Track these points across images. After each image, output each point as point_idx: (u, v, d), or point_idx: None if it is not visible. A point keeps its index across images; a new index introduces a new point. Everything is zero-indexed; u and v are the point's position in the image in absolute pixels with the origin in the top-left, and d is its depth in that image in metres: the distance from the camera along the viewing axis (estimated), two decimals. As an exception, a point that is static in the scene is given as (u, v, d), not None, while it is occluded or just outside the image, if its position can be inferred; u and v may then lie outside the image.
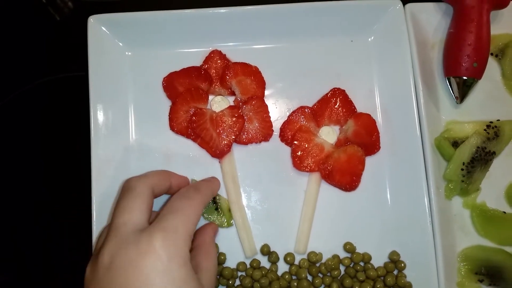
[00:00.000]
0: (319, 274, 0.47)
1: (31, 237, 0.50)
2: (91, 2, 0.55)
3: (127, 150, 0.48)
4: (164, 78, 0.49)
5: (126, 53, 0.50)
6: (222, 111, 0.48)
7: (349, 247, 0.48)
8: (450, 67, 0.51)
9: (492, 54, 0.54)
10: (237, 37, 0.50)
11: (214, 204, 0.47)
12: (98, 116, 0.47)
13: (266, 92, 0.50)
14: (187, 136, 0.48)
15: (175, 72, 0.49)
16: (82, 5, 0.55)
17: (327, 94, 0.50)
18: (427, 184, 0.47)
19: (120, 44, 0.49)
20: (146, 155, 0.48)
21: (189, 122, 0.47)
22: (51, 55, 0.54)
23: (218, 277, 0.46)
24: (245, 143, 0.49)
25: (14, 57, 0.54)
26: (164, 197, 0.45)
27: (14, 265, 0.49)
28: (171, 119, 0.48)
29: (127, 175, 0.47)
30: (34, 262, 0.49)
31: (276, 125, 0.50)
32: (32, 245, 0.50)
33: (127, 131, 0.49)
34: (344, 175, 0.48)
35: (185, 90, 0.48)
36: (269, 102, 0.50)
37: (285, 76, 0.51)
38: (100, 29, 0.48)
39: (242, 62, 0.50)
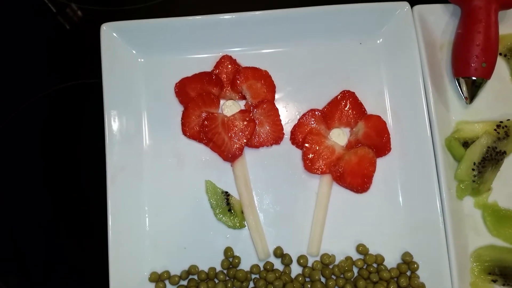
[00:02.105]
0: (333, 276, 0.47)
1: (31, 237, 0.50)
2: (101, 10, 0.56)
3: (140, 156, 0.49)
4: (176, 83, 0.50)
5: (139, 59, 0.51)
6: (233, 115, 0.49)
7: (361, 249, 0.48)
8: (459, 67, 0.51)
9: (501, 54, 0.54)
10: (247, 42, 0.51)
11: (228, 205, 0.48)
12: (112, 122, 0.47)
13: (277, 96, 0.51)
14: (200, 140, 0.49)
15: (187, 77, 0.50)
16: (91, 13, 0.57)
17: (337, 96, 0.51)
18: (439, 185, 0.47)
19: (133, 51, 0.50)
20: (159, 160, 0.49)
21: (201, 127, 0.48)
22: (62, 63, 0.55)
23: (232, 280, 0.46)
24: (257, 147, 0.49)
25: (27, 66, 0.55)
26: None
27: (14, 265, 0.50)
28: (183, 124, 0.49)
29: (141, 180, 0.48)
30: (34, 263, 0.50)
31: (287, 128, 0.50)
32: (32, 245, 0.50)
33: (141, 136, 0.49)
34: (355, 177, 0.48)
35: (197, 95, 0.48)
36: (279, 105, 0.51)
37: (295, 79, 0.52)
38: (113, 36, 0.48)
39: (252, 67, 0.50)
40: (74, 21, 0.57)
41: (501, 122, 0.51)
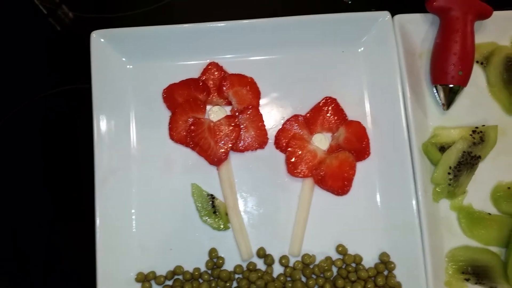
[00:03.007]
0: (313, 276, 0.49)
1: (32, 237, 0.52)
2: (93, 17, 0.57)
3: (129, 159, 0.50)
4: (164, 89, 0.51)
5: (128, 66, 0.52)
6: (219, 120, 0.51)
7: (341, 249, 0.50)
8: (437, 75, 0.53)
9: (477, 62, 0.56)
10: (233, 49, 0.52)
11: (213, 207, 0.50)
12: (101, 127, 0.49)
13: (261, 102, 0.53)
14: (186, 144, 0.50)
15: (175, 84, 0.51)
16: (83, 20, 0.57)
17: (319, 102, 0.53)
18: (415, 188, 0.49)
19: (122, 57, 0.51)
20: (147, 163, 0.50)
21: (188, 131, 0.50)
22: (53, 67, 0.56)
23: (216, 279, 0.48)
24: (242, 151, 0.51)
25: (16, 69, 0.56)
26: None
27: (14, 265, 0.51)
28: (170, 129, 0.50)
29: (129, 183, 0.50)
30: (21, 263, 0.51)
31: (271, 133, 0.52)
32: (18, 246, 0.51)
33: (129, 141, 0.51)
34: (336, 180, 0.50)
35: (184, 101, 0.50)
36: (264, 111, 0.52)
37: (279, 86, 0.53)
38: (102, 43, 0.50)
39: (238, 74, 0.52)
40: (65, 26, 0.57)
41: (477, 127, 0.53)
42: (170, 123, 0.50)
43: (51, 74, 0.55)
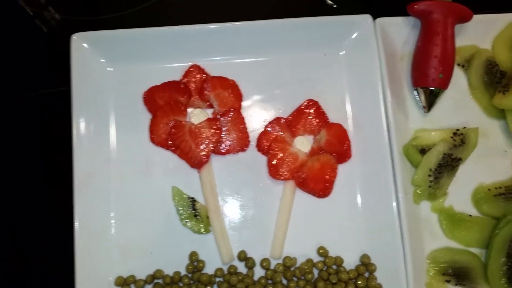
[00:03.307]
0: (294, 278, 0.49)
1: (9, 240, 0.51)
2: (76, 20, 0.56)
3: (108, 163, 0.50)
4: (145, 92, 0.51)
5: (108, 68, 0.52)
6: (200, 123, 0.51)
7: (322, 251, 0.50)
8: (418, 78, 0.53)
9: (458, 64, 0.56)
10: (215, 52, 0.52)
11: (194, 211, 0.49)
12: (80, 129, 0.48)
13: (243, 104, 0.53)
14: (167, 147, 0.50)
15: (155, 86, 0.51)
16: (69, 19, 0.57)
17: (301, 105, 0.53)
18: (396, 190, 0.49)
19: (102, 60, 0.51)
20: (127, 166, 0.50)
21: (169, 134, 0.49)
22: (35, 69, 0.55)
23: (196, 283, 0.48)
24: (223, 154, 0.51)
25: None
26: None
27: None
28: (151, 132, 0.50)
29: (109, 187, 0.49)
30: (12, 266, 0.50)
31: (253, 135, 0.52)
32: (10, 248, 0.51)
33: (109, 144, 0.51)
34: (317, 182, 0.50)
35: (165, 103, 0.50)
36: (246, 114, 0.52)
37: (261, 88, 0.53)
38: (83, 46, 0.49)
39: (220, 76, 0.52)
40: (51, 28, 0.57)
41: (458, 130, 0.53)
42: (150, 126, 0.50)
43: (32, 76, 0.55)
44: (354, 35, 0.53)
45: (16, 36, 0.57)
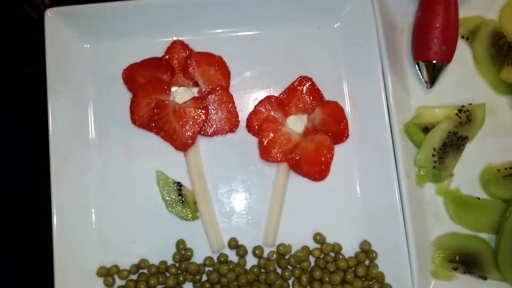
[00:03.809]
0: (289, 266, 0.46)
1: None
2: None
3: (87, 146, 0.47)
4: (124, 70, 0.48)
5: (85, 45, 0.49)
6: (185, 102, 0.48)
7: (319, 238, 0.47)
8: (419, 51, 0.50)
9: (463, 37, 0.53)
10: (200, 26, 0.49)
11: (180, 196, 0.46)
12: (56, 111, 0.46)
13: (232, 82, 0.50)
14: (150, 129, 0.47)
15: (136, 63, 0.48)
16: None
17: (294, 82, 0.50)
18: (397, 171, 0.46)
19: (79, 37, 0.48)
20: (107, 150, 0.48)
21: (151, 115, 0.46)
22: (11, 50, 0.53)
23: (183, 273, 0.45)
24: (211, 135, 0.48)
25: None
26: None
27: None
28: (132, 112, 0.47)
29: (88, 172, 0.47)
30: None
31: (243, 115, 0.49)
32: None
33: (87, 126, 0.48)
34: (312, 164, 0.47)
35: (146, 81, 0.47)
36: (234, 92, 0.49)
37: (251, 65, 0.50)
38: (58, 22, 0.47)
39: (205, 52, 0.49)
40: (41, 10, 0.54)
41: (463, 106, 0.50)
42: (131, 106, 0.47)
43: (6, 57, 0.52)
44: (349, 6, 0.50)
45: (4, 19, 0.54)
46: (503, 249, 0.47)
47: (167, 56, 0.49)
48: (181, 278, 0.45)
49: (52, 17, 0.46)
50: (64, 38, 0.47)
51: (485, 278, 0.47)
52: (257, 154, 0.48)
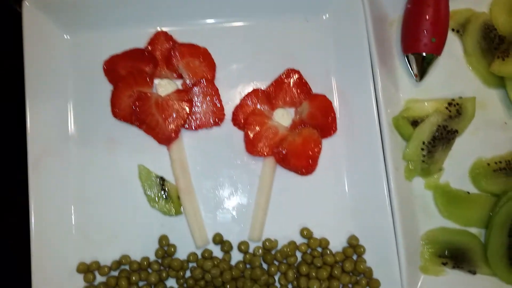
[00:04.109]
0: (275, 262, 0.45)
1: None
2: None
3: (66, 140, 0.46)
4: (105, 61, 0.47)
5: (65, 36, 0.48)
6: (168, 95, 0.46)
7: (306, 233, 0.46)
8: (409, 43, 0.49)
9: (453, 30, 0.52)
10: (184, 16, 0.48)
11: (163, 191, 0.45)
12: (35, 103, 0.44)
13: (217, 75, 0.48)
14: (131, 122, 0.46)
15: (117, 55, 0.47)
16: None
17: (281, 75, 0.49)
18: (385, 165, 0.45)
19: (58, 27, 0.47)
20: (87, 144, 0.46)
21: (133, 108, 0.45)
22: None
23: (166, 269, 0.44)
24: (195, 129, 0.47)
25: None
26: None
27: None
28: (113, 105, 0.46)
29: (67, 166, 0.46)
30: None
31: (228, 109, 0.48)
32: None
33: (67, 119, 0.47)
34: (299, 158, 0.46)
35: (127, 73, 0.46)
36: (220, 85, 0.48)
37: (237, 57, 0.49)
38: (36, 12, 0.45)
39: (189, 43, 0.48)
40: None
41: (453, 99, 0.50)
42: (112, 99, 0.46)
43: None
44: (338, -3, 0.49)
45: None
46: (492, 243, 0.46)
47: (150, 48, 0.47)
48: (163, 275, 0.44)
49: (31, 6, 0.45)
50: (43, 28, 0.46)
51: (474, 273, 0.47)
52: (243, 148, 0.47)
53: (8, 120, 0.48)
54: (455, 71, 0.51)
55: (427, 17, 0.48)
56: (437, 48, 0.49)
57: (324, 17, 0.50)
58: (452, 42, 0.51)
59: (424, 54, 0.48)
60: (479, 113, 0.50)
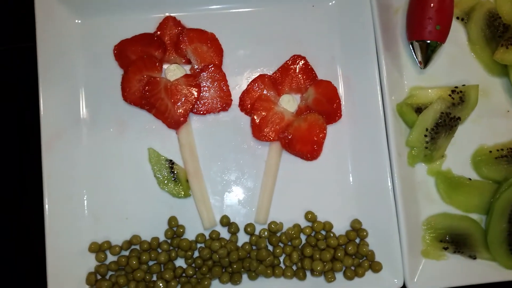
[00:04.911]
0: (280, 244, 0.46)
1: None
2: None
3: (78, 123, 0.47)
4: (115, 46, 0.47)
5: (76, 21, 0.48)
6: (177, 79, 0.47)
7: (310, 216, 0.47)
8: (413, 30, 0.50)
9: (458, 18, 0.52)
10: (193, 2, 0.49)
11: (172, 174, 0.46)
12: (47, 87, 0.45)
13: (225, 60, 0.49)
14: (141, 106, 0.47)
15: (127, 39, 0.47)
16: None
17: (287, 61, 0.49)
18: (389, 151, 0.46)
19: (69, 11, 0.47)
20: (98, 127, 0.47)
21: (143, 92, 0.46)
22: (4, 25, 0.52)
23: (175, 249, 0.45)
24: (203, 113, 0.48)
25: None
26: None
27: None
28: (123, 89, 0.47)
29: (79, 149, 0.47)
30: None
31: (235, 94, 0.49)
32: None
33: (78, 102, 0.47)
34: (305, 144, 0.47)
35: (137, 58, 0.46)
36: (227, 70, 0.49)
37: (244, 43, 0.50)
38: (48, -4, 0.46)
39: (197, 29, 0.48)
40: None
41: (456, 87, 0.50)
42: (122, 83, 0.47)
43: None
44: (345, -16, 0.49)
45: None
46: (492, 229, 0.47)
47: (159, 32, 0.48)
48: (173, 254, 0.45)
49: (43, -9, 0.45)
50: (55, 13, 0.46)
51: (474, 258, 0.48)
52: (249, 133, 0.48)
53: (20, 107, 0.49)
54: (459, 59, 0.52)
55: (432, 4, 0.48)
56: (442, 36, 0.49)
57: (330, 3, 0.50)
58: (457, 30, 0.52)
59: (428, 41, 0.48)
60: (482, 101, 0.50)
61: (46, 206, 0.44)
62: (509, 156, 0.50)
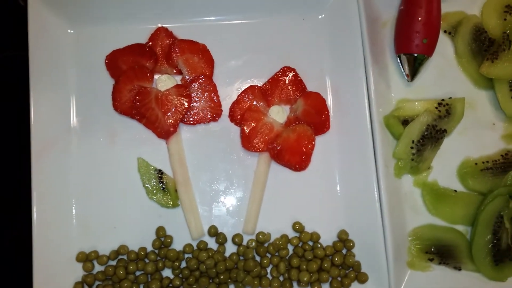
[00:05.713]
0: (267, 254, 0.46)
1: None
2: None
3: (69, 132, 0.47)
4: (107, 56, 0.48)
5: (68, 31, 0.48)
6: (167, 90, 0.47)
7: (298, 227, 0.47)
8: (401, 44, 0.50)
9: (445, 31, 0.53)
10: (185, 13, 0.49)
11: (160, 183, 0.47)
12: (38, 96, 0.45)
13: (215, 71, 0.50)
14: (132, 116, 0.47)
15: (119, 49, 0.48)
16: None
17: (277, 73, 0.50)
18: (376, 163, 0.47)
19: (62, 21, 0.48)
20: (88, 136, 0.47)
21: (133, 102, 0.46)
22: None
23: (163, 259, 0.45)
24: (193, 123, 0.48)
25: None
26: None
27: None
28: (114, 99, 0.47)
29: (69, 158, 0.47)
30: None
31: (226, 105, 0.49)
32: None
33: (69, 112, 0.48)
34: (293, 154, 0.48)
35: (129, 68, 0.47)
36: (218, 81, 0.49)
37: (235, 54, 0.50)
38: (41, 6, 0.46)
39: (188, 40, 0.49)
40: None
41: (443, 100, 0.51)
42: (113, 92, 0.47)
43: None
44: (334, -2, 0.50)
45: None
46: (477, 241, 0.47)
47: (150, 43, 0.48)
48: (160, 265, 0.45)
49: (36, 1, 0.46)
50: (47, 23, 0.46)
51: (459, 269, 0.48)
52: (239, 144, 0.48)
53: (11, 114, 0.49)
54: (445, 72, 0.52)
55: (419, 18, 0.49)
56: (429, 49, 0.50)
57: (320, 17, 0.51)
58: (444, 43, 0.53)
59: (416, 54, 0.49)
60: (468, 113, 0.51)
61: (35, 215, 0.44)
62: (494, 168, 0.50)
